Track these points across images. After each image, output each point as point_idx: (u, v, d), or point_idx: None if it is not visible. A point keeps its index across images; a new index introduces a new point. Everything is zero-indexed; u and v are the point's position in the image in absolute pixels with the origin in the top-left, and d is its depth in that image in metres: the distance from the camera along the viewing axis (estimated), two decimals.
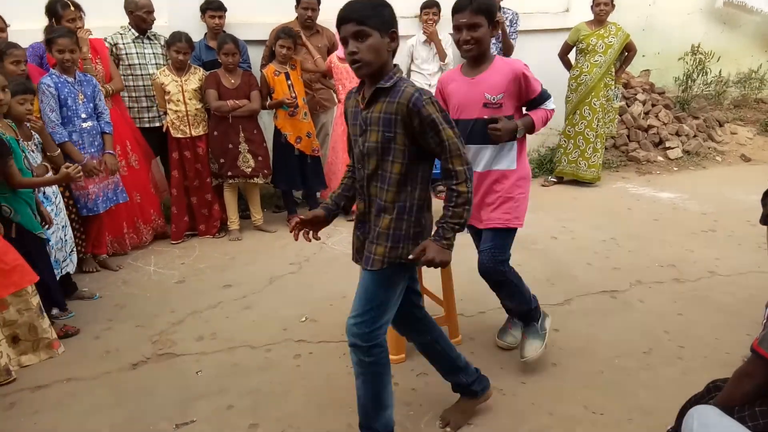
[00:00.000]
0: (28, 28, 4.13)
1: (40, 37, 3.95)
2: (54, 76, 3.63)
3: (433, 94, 1.96)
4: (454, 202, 1.93)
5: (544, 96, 2.62)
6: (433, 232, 2.02)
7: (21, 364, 2.91)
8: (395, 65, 1.98)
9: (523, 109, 2.67)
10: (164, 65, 4.44)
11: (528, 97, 2.60)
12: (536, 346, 2.73)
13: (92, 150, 3.81)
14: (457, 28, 2.49)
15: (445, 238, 1.94)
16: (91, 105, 3.82)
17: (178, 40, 4.24)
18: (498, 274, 2.65)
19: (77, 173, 3.10)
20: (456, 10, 2.47)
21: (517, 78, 2.52)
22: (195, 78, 4.38)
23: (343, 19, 1.90)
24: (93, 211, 3.85)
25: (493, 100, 2.54)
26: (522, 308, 2.76)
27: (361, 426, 2.17)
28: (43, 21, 4.01)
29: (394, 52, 1.97)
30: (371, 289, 2.05)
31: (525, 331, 2.80)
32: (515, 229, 2.70)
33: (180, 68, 4.33)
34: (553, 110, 2.68)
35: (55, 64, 3.68)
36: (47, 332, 2.98)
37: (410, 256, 1.98)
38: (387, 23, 1.91)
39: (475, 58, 2.55)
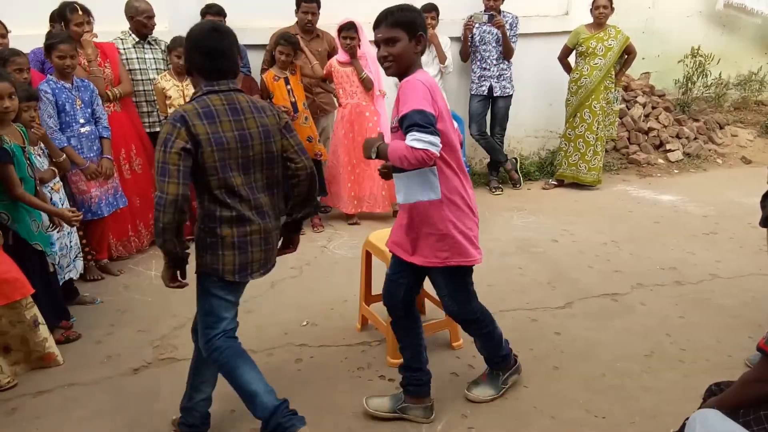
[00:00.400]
0: (29, 33, 4.14)
1: (41, 43, 3.96)
2: (51, 82, 3.64)
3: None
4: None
5: (408, 120, 2.02)
6: None
7: (15, 374, 2.87)
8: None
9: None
10: (165, 70, 4.45)
11: (399, 113, 2.12)
12: (488, 393, 2.58)
13: (91, 155, 3.81)
14: (375, 44, 2.24)
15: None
16: (89, 110, 3.82)
17: (179, 45, 4.24)
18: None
19: (76, 219, 3.10)
20: (374, 26, 2.23)
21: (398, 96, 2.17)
22: None
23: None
24: (97, 214, 3.85)
25: (393, 124, 2.22)
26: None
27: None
28: (44, 27, 4.02)
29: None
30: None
31: (487, 372, 2.65)
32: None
33: (181, 73, 4.34)
34: (414, 149, 1.98)
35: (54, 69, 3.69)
36: (39, 346, 2.91)
37: None
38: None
39: (398, 75, 2.23)
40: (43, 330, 2.94)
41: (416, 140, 1.98)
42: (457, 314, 2.50)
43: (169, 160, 1.98)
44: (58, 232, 3.24)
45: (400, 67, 2.19)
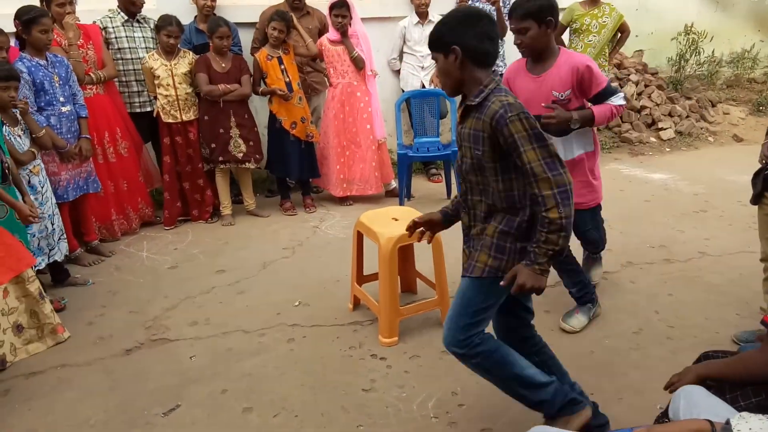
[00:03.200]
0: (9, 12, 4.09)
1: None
2: (26, 59, 3.49)
3: (520, 109, 1.80)
4: (547, 229, 1.77)
5: (609, 90, 2.67)
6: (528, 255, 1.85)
7: (29, 353, 2.91)
8: (491, 76, 1.88)
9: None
10: (153, 49, 4.39)
11: (592, 91, 2.65)
12: (582, 322, 2.99)
13: (69, 136, 3.69)
14: (513, 31, 2.62)
15: (538, 263, 1.79)
16: (67, 87, 3.70)
17: (168, 23, 4.18)
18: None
19: (32, 218, 2.98)
20: (509, 15, 2.70)
21: (580, 72, 2.60)
22: (184, 62, 4.33)
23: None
24: (63, 198, 3.69)
25: (561, 97, 2.64)
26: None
27: (545, 415, 2.12)
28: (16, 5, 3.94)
29: (477, 64, 1.87)
30: (468, 295, 1.98)
31: (579, 306, 3.03)
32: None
33: (169, 52, 4.28)
34: (621, 106, 2.70)
35: (24, 46, 3.55)
36: (50, 317, 2.97)
37: (501, 282, 1.87)
38: (445, 44, 1.86)
39: (536, 56, 2.66)
40: (48, 303, 2.99)
41: (621, 99, 2.71)
42: (598, 241, 3.14)
43: (552, 151, 1.78)
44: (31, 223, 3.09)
45: (533, 51, 2.59)
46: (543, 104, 2.62)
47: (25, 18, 3.45)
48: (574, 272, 2.98)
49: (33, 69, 3.51)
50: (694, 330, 2.94)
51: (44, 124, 3.52)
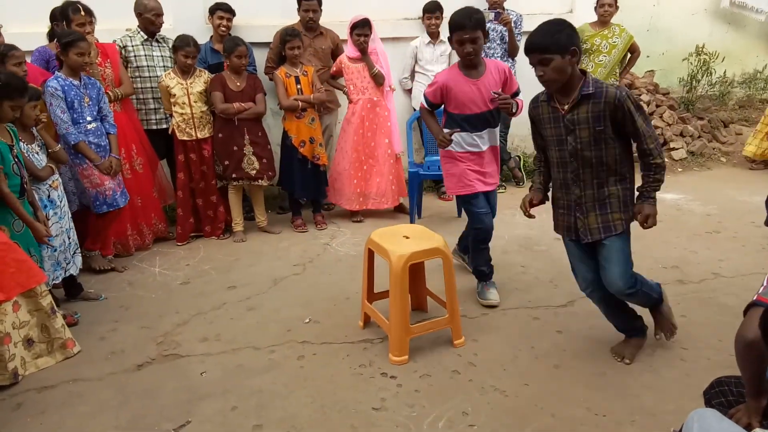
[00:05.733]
0: (28, 31, 4.19)
1: (40, 41, 3.99)
2: (60, 78, 3.66)
3: (626, 89, 2.47)
4: (654, 171, 2.52)
5: (519, 90, 3.37)
6: (637, 196, 2.60)
7: (38, 368, 2.93)
8: (584, 71, 2.49)
9: None
10: (171, 68, 4.47)
11: (513, 89, 3.32)
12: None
13: (98, 150, 3.83)
14: (460, 42, 3.10)
15: (652, 197, 2.55)
16: (96, 107, 3.85)
17: (186, 44, 4.26)
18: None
19: (46, 237, 3.10)
20: (459, 27, 3.07)
21: (506, 74, 3.30)
22: (200, 81, 4.40)
23: (527, 49, 2.47)
24: (114, 205, 3.84)
25: (499, 93, 3.22)
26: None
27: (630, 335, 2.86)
28: (43, 24, 4.04)
29: (577, 63, 2.45)
30: (623, 248, 2.62)
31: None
32: None
33: (186, 71, 4.36)
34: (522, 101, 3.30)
35: (61, 66, 3.71)
36: (60, 332, 3.00)
37: (638, 219, 2.57)
38: (564, 46, 2.36)
39: (475, 63, 3.22)
40: (60, 317, 3.02)
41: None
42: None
43: (647, 116, 2.51)
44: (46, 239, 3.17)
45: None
46: (492, 91, 3.19)
47: (64, 41, 3.62)
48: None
49: (66, 88, 3.66)
50: (707, 352, 2.91)
51: (81, 139, 3.70)
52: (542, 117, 2.64)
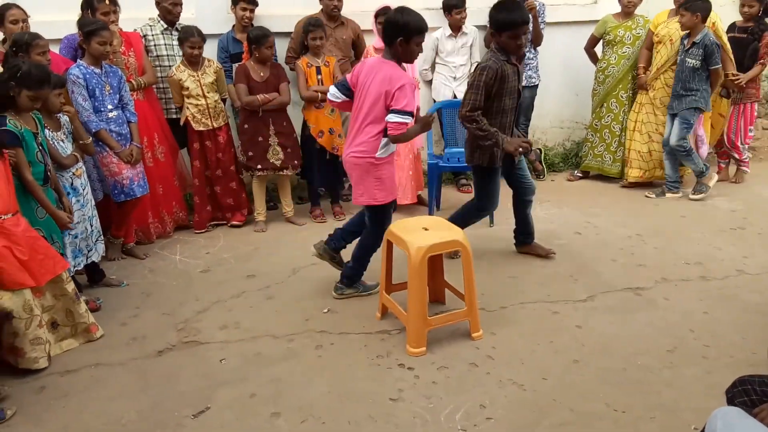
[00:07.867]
0: (57, 19, 4.23)
1: (69, 29, 4.02)
2: (82, 67, 3.68)
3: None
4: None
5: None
6: None
7: (62, 349, 3.00)
8: None
9: None
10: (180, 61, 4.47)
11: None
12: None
13: (118, 139, 3.84)
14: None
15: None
16: (117, 96, 3.86)
17: (190, 35, 4.26)
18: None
19: (68, 224, 3.15)
20: (525, 23, 3.40)
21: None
22: (210, 71, 4.41)
23: (525, 22, 3.29)
24: (130, 195, 3.86)
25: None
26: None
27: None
28: (73, 13, 4.08)
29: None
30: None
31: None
32: None
33: (194, 63, 4.36)
34: None
35: (84, 55, 3.74)
36: (84, 317, 3.06)
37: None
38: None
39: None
40: (83, 303, 3.09)
41: None
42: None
43: None
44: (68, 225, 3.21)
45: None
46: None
47: (87, 29, 3.64)
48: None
49: (88, 76, 3.68)
50: (730, 350, 2.87)
51: (102, 126, 3.72)
52: (507, 72, 3.37)
